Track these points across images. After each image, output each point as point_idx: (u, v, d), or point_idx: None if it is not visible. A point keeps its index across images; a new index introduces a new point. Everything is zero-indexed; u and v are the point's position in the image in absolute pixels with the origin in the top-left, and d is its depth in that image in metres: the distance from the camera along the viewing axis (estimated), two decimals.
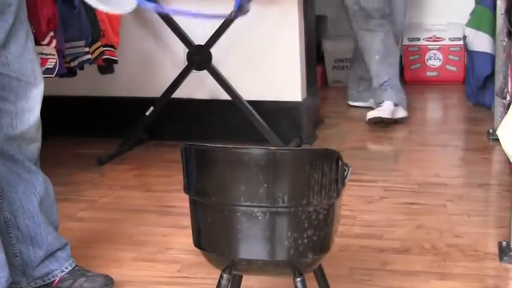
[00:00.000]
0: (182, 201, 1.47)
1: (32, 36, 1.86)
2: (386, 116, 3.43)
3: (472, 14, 3.88)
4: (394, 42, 3.74)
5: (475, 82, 3.77)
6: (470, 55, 3.82)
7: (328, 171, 1.35)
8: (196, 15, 2.16)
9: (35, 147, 1.89)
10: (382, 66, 3.57)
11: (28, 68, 1.81)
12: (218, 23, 3.02)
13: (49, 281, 1.97)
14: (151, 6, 1.93)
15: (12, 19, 1.75)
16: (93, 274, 1.99)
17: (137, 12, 3.16)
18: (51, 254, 1.96)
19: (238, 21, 3.03)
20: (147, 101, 3.22)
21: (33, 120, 1.84)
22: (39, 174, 1.92)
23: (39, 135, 1.89)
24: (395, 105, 3.53)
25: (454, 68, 3.47)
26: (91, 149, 3.28)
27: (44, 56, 2.52)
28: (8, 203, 1.87)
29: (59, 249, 1.98)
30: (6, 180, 1.86)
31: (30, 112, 1.83)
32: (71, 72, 2.84)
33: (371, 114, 3.45)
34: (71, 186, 2.79)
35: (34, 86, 1.83)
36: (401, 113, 3.54)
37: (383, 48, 3.55)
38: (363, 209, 2.55)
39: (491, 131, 3.22)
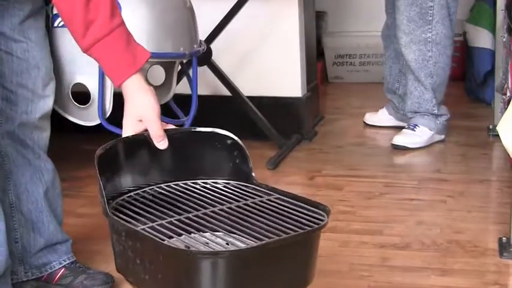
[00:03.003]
0: None
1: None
2: None
3: (472, 10, 3.88)
4: None
5: (475, 78, 3.77)
6: (470, 51, 3.82)
7: None
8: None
9: (46, 136, 1.93)
10: None
11: (47, 58, 1.86)
12: (218, 19, 3.02)
13: (46, 273, 1.97)
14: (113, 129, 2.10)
15: (30, 8, 1.79)
16: (94, 271, 2.00)
17: None
18: (51, 246, 1.97)
19: (239, 17, 3.03)
20: None
21: (48, 109, 1.89)
22: (49, 163, 1.95)
23: (49, 125, 1.93)
24: None
25: (454, 64, 3.47)
26: (92, 145, 3.26)
27: None
28: (14, 186, 1.89)
29: (60, 242, 1.99)
30: (15, 163, 1.88)
31: (45, 101, 1.87)
32: None
33: None
34: (72, 182, 2.79)
35: (51, 78, 1.88)
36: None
37: None
38: (362, 204, 2.55)
39: (491, 127, 3.22)
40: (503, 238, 2.17)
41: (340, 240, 2.24)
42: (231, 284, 1.18)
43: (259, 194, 1.42)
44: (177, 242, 1.26)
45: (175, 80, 2.36)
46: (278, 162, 2.97)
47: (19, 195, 1.90)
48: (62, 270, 1.98)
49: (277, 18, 3.21)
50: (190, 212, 1.35)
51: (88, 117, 2.16)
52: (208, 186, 1.47)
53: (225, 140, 1.47)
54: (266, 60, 3.25)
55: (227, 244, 1.27)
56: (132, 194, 1.43)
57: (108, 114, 2.15)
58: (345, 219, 2.41)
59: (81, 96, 2.15)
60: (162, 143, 1.42)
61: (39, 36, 1.83)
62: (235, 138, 1.46)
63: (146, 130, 1.42)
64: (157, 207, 1.38)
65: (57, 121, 2.08)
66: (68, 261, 1.99)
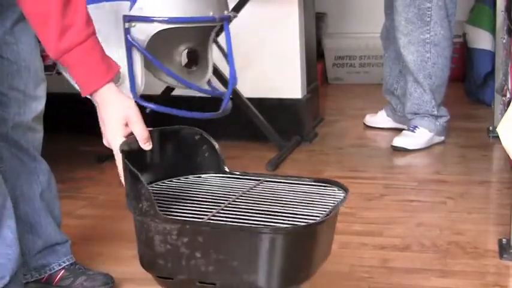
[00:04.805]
0: None
1: None
2: None
3: (472, 11, 3.88)
4: None
5: (475, 79, 3.77)
6: (470, 52, 3.82)
7: None
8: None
9: (39, 137, 1.93)
10: None
11: (37, 59, 1.86)
12: None
13: (45, 274, 1.97)
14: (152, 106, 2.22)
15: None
16: (94, 273, 1.99)
17: None
18: (50, 247, 1.96)
19: (239, 18, 3.03)
20: (147, 99, 3.21)
21: (40, 109, 1.88)
22: (44, 164, 1.94)
23: (41, 126, 1.93)
24: None
25: (453, 65, 3.48)
26: (91, 146, 3.27)
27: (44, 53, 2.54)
28: (10, 189, 1.88)
29: (59, 243, 1.98)
30: (10, 166, 1.87)
31: (37, 102, 1.87)
32: None
33: None
34: (71, 184, 2.79)
35: (42, 79, 1.88)
36: None
37: None
38: (363, 206, 2.55)
39: (491, 128, 3.22)
40: (503, 239, 2.17)
41: (341, 242, 2.24)
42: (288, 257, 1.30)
43: (253, 179, 1.50)
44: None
45: (211, 55, 2.38)
46: (278, 163, 2.97)
47: (15, 199, 1.89)
48: (62, 271, 1.98)
49: (277, 19, 3.21)
50: (214, 204, 1.40)
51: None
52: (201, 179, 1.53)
53: (193, 136, 1.52)
54: (266, 62, 3.25)
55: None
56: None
57: (141, 92, 2.18)
58: (345, 221, 2.41)
59: None
60: (148, 144, 1.44)
61: (30, 38, 1.81)
62: (203, 132, 1.52)
63: (131, 134, 1.44)
64: (179, 203, 1.42)
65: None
66: (67, 263, 1.99)
